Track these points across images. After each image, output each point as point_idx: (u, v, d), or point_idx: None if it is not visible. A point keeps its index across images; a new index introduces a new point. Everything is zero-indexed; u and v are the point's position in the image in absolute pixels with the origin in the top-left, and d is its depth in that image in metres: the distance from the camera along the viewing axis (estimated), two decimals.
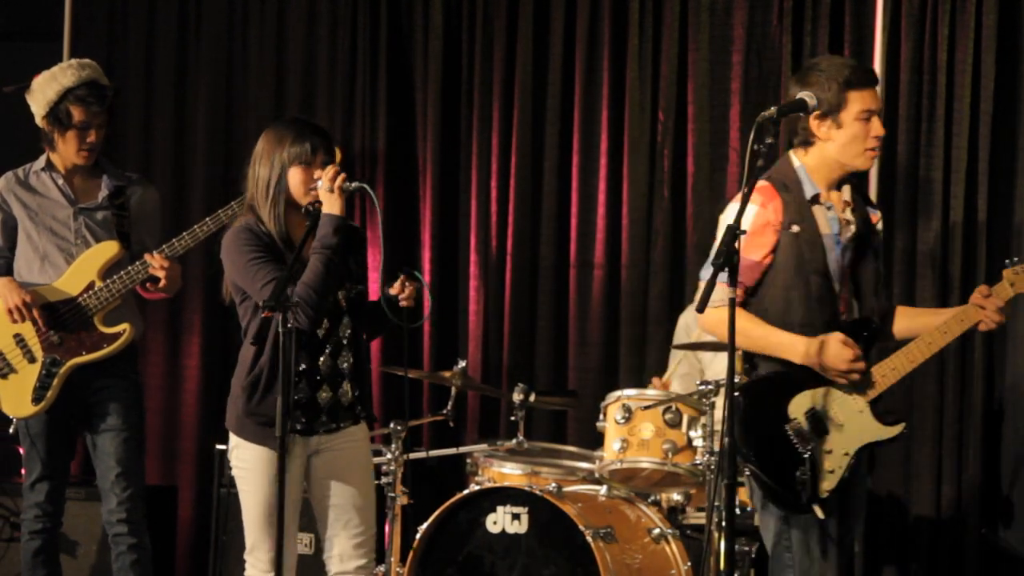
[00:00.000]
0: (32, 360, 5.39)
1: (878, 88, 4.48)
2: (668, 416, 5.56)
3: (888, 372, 4.36)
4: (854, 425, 4.35)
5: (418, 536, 5.59)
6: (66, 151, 5.46)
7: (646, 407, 5.57)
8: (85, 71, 5.45)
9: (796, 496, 4.29)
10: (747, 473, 4.39)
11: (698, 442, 5.53)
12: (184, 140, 7.26)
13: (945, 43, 6.24)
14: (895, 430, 4.37)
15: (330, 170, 4.61)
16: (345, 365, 4.72)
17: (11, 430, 5.48)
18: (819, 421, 4.32)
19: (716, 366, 6.05)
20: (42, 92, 5.44)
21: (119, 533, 5.46)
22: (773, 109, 4.25)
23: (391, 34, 7.01)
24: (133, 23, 7.32)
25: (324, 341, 4.68)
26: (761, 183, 4.38)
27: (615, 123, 6.71)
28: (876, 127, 4.41)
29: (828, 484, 4.30)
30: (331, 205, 4.60)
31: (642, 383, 6.26)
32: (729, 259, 4.07)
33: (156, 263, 5.35)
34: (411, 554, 5.58)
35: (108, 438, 5.44)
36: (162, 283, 5.38)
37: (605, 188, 6.71)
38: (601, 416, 5.71)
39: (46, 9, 7.38)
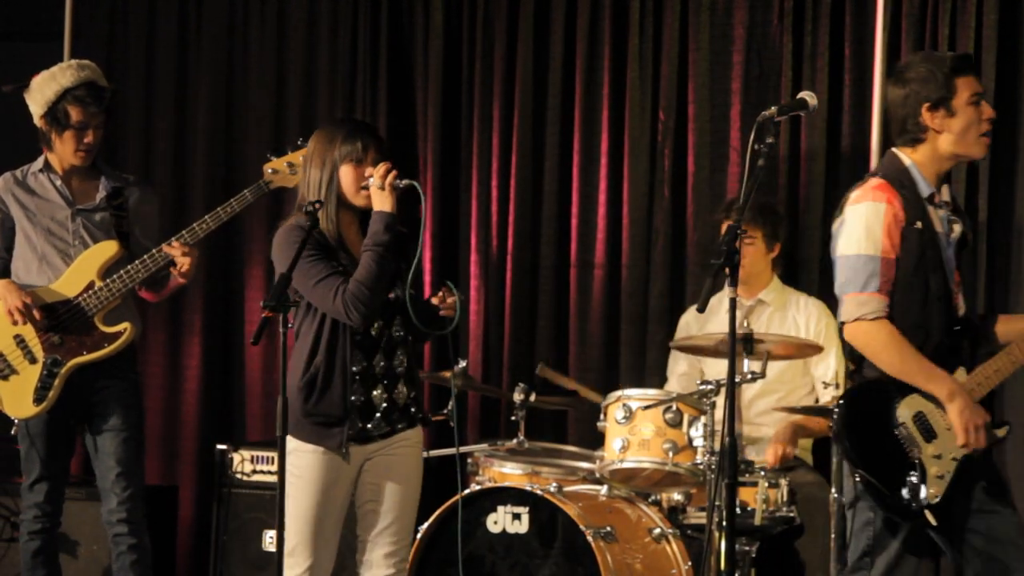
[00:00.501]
0: (33, 361, 5.39)
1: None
2: (668, 416, 5.55)
3: (992, 374, 4.33)
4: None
5: (418, 536, 5.58)
6: (63, 151, 5.47)
7: (646, 407, 5.57)
8: (84, 72, 5.46)
9: (907, 502, 4.25)
10: (856, 479, 4.34)
11: (698, 442, 5.52)
12: (184, 140, 7.26)
13: (946, 42, 6.23)
14: (1000, 432, 4.34)
15: (381, 167, 4.61)
16: (400, 366, 4.72)
17: (12, 431, 5.48)
18: (926, 425, 4.29)
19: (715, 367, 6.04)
20: (40, 92, 5.44)
21: (119, 533, 5.46)
22: (774, 109, 4.24)
23: (391, 34, 7.01)
24: (133, 23, 7.32)
25: (377, 341, 4.68)
26: (876, 180, 4.35)
27: (615, 123, 6.71)
28: (987, 109, 4.40)
29: (936, 490, 4.25)
30: (382, 202, 4.60)
31: (642, 383, 6.25)
32: (730, 258, 4.06)
33: (177, 251, 5.34)
34: (411, 554, 5.56)
35: (108, 438, 5.44)
36: (184, 268, 5.36)
37: (605, 188, 6.70)
38: (601, 416, 5.71)
39: (46, 9, 7.37)
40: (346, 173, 4.66)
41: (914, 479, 4.24)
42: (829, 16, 6.41)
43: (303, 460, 4.64)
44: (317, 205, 4.62)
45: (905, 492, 4.24)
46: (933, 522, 4.23)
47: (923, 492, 4.23)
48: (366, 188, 4.64)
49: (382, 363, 4.68)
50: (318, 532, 4.64)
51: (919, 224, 4.31)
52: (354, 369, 4.64)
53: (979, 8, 6.19)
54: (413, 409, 4.75)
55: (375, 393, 4.67)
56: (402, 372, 4.73)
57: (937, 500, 4.25)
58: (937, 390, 4.27)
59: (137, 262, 5.40)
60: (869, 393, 4.34)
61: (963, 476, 4.29)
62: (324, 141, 4.71)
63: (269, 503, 6.25)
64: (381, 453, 4.71)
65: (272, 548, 6.27)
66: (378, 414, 4.68)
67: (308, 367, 4.63)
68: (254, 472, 6.40)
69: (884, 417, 4.29)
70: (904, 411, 4.29)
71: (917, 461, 4.26)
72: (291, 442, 4.64)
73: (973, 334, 4.38)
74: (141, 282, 5.43)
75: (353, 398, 4.64)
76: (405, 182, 4.62)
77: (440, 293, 4.72)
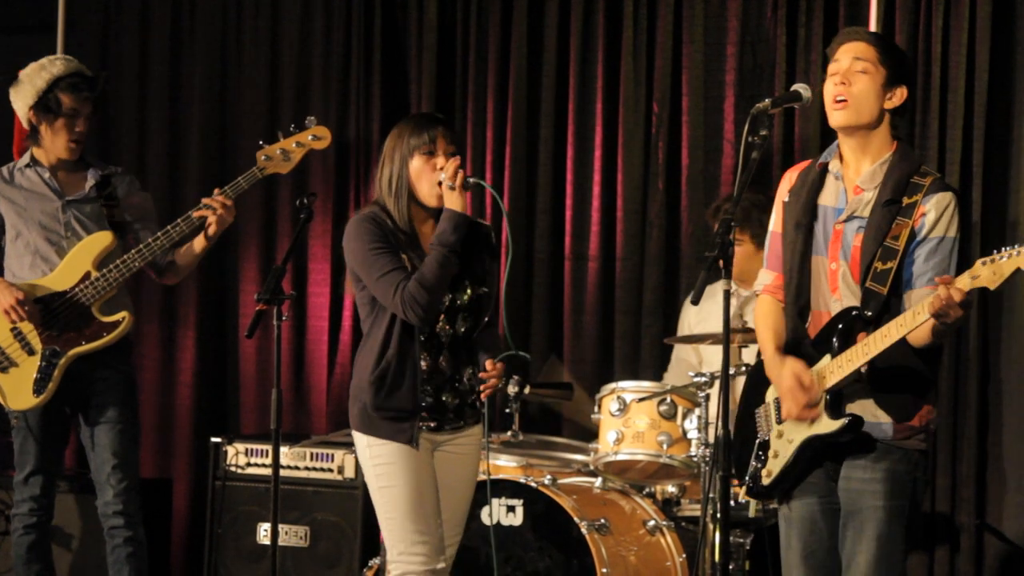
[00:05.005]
0: (31, 353, 5.39)
1: None
2: (663, 408, 5.56)
3: (844, 363, 4.13)
4: None
5: None
6: (55, 143, 5.47)
7: (641, 399, 5.58)
8: (71, 63, 5.53)
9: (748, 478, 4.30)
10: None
11: (692, 434, 5.54)
12: (178, 134, 7.26)
13: (939, 34, 6.23)
14: (836, 424, 4.11)
15: (451, 166, 4.54)
16: (466, 364, 4.67)
17: (12, 423, 5.47)
18: (780, 408, 4.29)
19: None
20: (31, 82, 5.45)
21: (115, 526, 5.46)
22: (768, 101, 4.23)
23: (385, 28, 7.01)
24: (127, 16, 7.32)
25: (443, 339, 4.62)
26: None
27: (609, 115, 6.71)
28: None
29: (770, 468, 4.25)
30: (452, 201, 4.53)
31: (637, 375, 6.26)
32: (724, 251, 4.05)
33: (218, 203, 5.37)
34: None
35: (104, 431, 5.45)
36: (212, 230, 5.39)
37: (600, 180, 6.71)
38: (596, 408, 5.72)
39: (39, 2, 7.36)
40: (416, 166, 4.59)
41: (757, 458, 4.25)
42: (823, 8, 6.42)
43: (383, 450, 4.56)
44: (312, 198, 4.60)
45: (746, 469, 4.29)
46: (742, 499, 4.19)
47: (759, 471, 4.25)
48: (440, 185, 4.57)
49: (449, 362, 4.63)
50: (422, 515, 4.57)
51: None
52: (424, 366, 4.59)
53: (973, 0, 6.20)
54: (477, 404, 4.70)
55: (444, 392, 4.62)
56: (468, 371, 4.67)
57: (769, 480, 4.23)
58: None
59: (133, 251, 5.40)
60: (756, 371, 4.36)
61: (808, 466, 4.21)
62: (395, 137, 4.65)
63: (263, 496, 6.25)
64: (448, 446, 4.68)
65: (266, 541, 6.28)
66: (450, 413, 4.64)
67: (379, 362, 4.55)
68: (248, 465, 6.40)
69: (757, 395, 4.32)
70: (771, 392, 4.29)
71: (762, 440, 4.26)
72: (363, 438, 4.59)
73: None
74: (149, 265, 5.44)
75: (423, 395, 4.59)
76: (472, 180, 4.55)
77: (489, 366, 4.62)
